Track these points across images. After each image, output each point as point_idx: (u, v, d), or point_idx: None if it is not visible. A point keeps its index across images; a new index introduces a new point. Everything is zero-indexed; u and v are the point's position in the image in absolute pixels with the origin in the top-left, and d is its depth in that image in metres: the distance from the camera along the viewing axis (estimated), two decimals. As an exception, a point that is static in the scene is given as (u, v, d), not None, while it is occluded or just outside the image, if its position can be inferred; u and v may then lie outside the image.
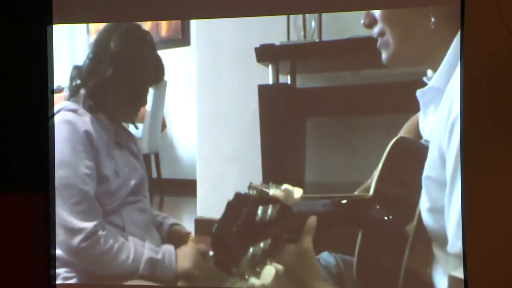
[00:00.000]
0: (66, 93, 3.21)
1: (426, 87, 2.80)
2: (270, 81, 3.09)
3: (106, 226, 3.07)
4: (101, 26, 3.24)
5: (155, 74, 3.17)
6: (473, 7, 2.85)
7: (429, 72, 2.81)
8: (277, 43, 3.06)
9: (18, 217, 3.37)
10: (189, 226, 3.19)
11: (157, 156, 3.29)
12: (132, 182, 3.15)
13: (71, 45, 3.30)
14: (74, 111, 3.13)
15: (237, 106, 3.12)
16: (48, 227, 3.23)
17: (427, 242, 2.77)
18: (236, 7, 3.10)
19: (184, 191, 3.19)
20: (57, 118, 3.17)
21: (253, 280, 2.67)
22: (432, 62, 2.79)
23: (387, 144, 2.84)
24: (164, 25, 3.24)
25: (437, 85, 2.76)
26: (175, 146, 3.25)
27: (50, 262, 3.22)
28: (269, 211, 2.75)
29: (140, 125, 3.31)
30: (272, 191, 2.80)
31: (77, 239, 3.06)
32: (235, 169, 3.13)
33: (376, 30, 2.86)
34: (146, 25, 3.23)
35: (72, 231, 3.07)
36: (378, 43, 2.84)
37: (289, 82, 3.09)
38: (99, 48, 3.17)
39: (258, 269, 2.68)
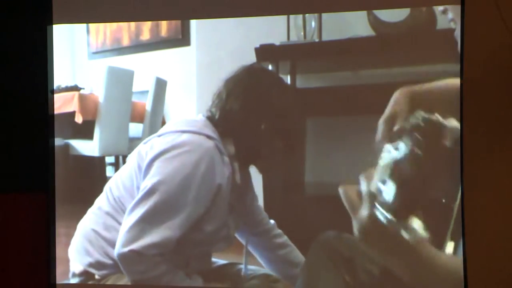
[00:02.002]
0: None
1: None
2: (270, 81, 3.10)
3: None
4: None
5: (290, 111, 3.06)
6: (473, 7, 2.85)
7: None
8: (277, 43, 3.06)
9: (19, 217, 3.37)
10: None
11: (157, 156, 3.28)
12: (214, 241, 3.06)
13: (71, 45, 3.30)
14: (222, 153, 2.97)
15: (237, 106, 3.11)
16: (48, 227, 3.23)
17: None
18: (236, 7, 3.10)
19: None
20: (208, 144, 2.96)
21: None
22: None
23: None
24: (164, 25, 3.24)
25: None
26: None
27: (50, 262, 3.22)
28: None
29: (140, 125, 3.31)
30: None
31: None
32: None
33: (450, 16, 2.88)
34: (146, 25, 3.23)
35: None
36: (455, 33, 2.85)
37: (289, 82, 3.09)
38: (252, 96, 3.03)
39: None
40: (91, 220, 3.12)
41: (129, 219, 2.97)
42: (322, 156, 3.04)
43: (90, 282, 3.11)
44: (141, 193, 2.97)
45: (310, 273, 2.95)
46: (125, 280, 3.10)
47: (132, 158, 3.06)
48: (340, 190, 2.89)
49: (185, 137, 2.99)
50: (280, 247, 3.06)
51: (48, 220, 3.24)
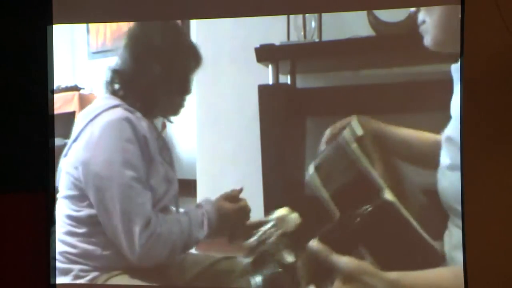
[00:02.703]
0: (106, 93, 3.18)
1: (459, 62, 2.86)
2: (270, 81, 3.09)
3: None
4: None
5: (194, 60, 3.13)
6: (473, 7, 2.85)
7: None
8: (277, 43, 3.06)
9: (18, 217, 3.37)
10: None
11: (157, 156, 3.28)
12: (169, 195, 3.14)
13: (71, 45, 3.30)
14: (132, 112, 3.09)
15: (237, 106, 3.12)
16: (48, 227, 3.23)
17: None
18: (236, 7, 3.10)
19: (184, 191, 3.19)
20: (114, 114, 3.10)
21: None
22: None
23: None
24: (164, 25, 3.24)
25: None
26: (175, 146, 3.25)
27: (50, 262, 3.22)
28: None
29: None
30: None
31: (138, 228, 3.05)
32: (235, 169, 3.13)
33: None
34: (146, 25, 3.23)
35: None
36: (421, 28, 2.88)
37: (289, 82, 3.09)
38: (139, 46, 3.15)
39: None
40: None
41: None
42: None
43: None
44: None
45: None
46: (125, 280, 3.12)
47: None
48: None
49: (96, 123, 3.09)
50: None
51: (48, 220, 3.23)
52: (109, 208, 3.07)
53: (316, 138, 3.04)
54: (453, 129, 2.84)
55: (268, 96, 3.09)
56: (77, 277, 3.18)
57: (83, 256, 3.17)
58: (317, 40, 3.05)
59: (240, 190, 3.10)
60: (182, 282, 3.14)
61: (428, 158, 2.88)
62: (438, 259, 2.86)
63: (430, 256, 2.87)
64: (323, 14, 3.02)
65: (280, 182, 3.08)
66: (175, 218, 3.11)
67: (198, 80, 3.16)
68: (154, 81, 3.12)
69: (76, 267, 3.18)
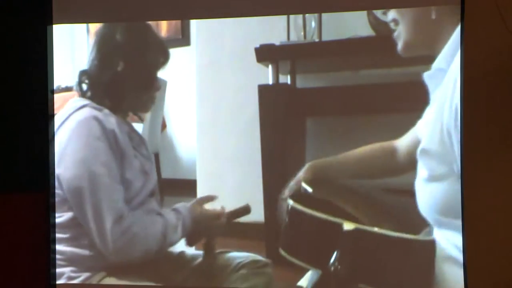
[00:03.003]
0: (77, 94, 3.22)
1: (432, 70, 2.86)
2: (270, 81, 3.10)
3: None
4: (99, 26, 3.24)
5: (161, 56, 3.17)
6: (473, 7, 2.85)
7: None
8: (277, 43, 3.06)
9: (18, 217, 3.36)
10: (189, 226, 3.20)
11: (157, 156, 3.28)
12: (148, 187, 3.16)
13: (71, 45, 3.30)
14: (100, 110, 3.14)
15: (237, 106, 3.12)
16: (48, 227, 3.23)
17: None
18: (236, 7, 3.10)
19: (184, 191, 3.19)
20: (82, 115, 3.16)
21: None
22: (438, 49, 2.86)
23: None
24: (164, 25, 3.24)
25: (441, 66, 2.83)
26: (175, 146, 3.25)
27: (50, 262, 3.22)
28: None
29: (140, 125, 3.31)
30: None
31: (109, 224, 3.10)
32: (235, 169, 3.13)
33: (389, 17, 2.92)
34: (146, 25, 3.23)
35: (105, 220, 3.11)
36: (395, 34, 2.90)
37: (289, 82, 3.09)
38: (104, 45, 3.19)
39: None
40: None
41: None
42: (322, 156, 3.04)
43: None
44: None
45: None
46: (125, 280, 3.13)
47: None
48: None
49: (66, 126, 3.17)
50: None
51: (48, 220, 3.23)
52: (83, 207, 3.13)
53: (316, 138, 3.05)
54: (428, 141, 2.84)
55: (268, 96, 3.09)
56: (70, 278, 3.19)
57: (72, 259, 3.20)
58: (317, 40, 3.05)
59: (214, 197, 3.14)
60: (178, 278, 3.15)
61: (392, 166, 2.93)
62: (428, 252, 2.86)
63: (420, 251, 2.88)
64: (323, 14, 3.02)
65: (280, 182, 3.08)
66: (152, 219, 3.13)
67: (198, 80, 3.16)
68: (119, 78, 3.17)
69: (67, 269, 3.21)
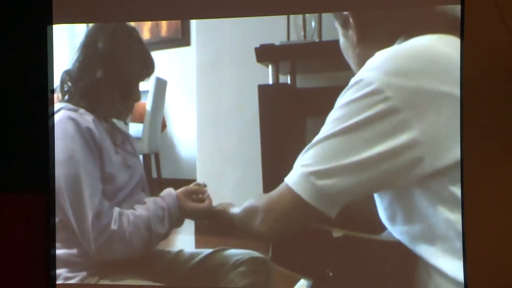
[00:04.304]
0: (58, 96, 3.24)
1: None
2: (270, 81, 3.10)
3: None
4: (89, 27, 3.25)
5: (144, 68, 3.19)
6: (473, 7, 2.85)
7: None
8: (277, 43, 3.06)
9: (18, 217, 3.36)
10: (189, 226, 3.19)
11: (157, 156, 3.28)
12: (134, 180, 3.17)
13: (71, 45, 3.30)
14: (75, 110, 3.16)
15: (237, 106, 3.12)
16: (48, 227, 3.23)
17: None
18: (236, 7, 3.10)
19: (184, 191, 3.19)
20: (59, 117, 3.19)
21: None
22: None
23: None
24: (164, 25, 3.24)
25: None
26: (175, 146, 3.25)
27: (50, 262, 3.22)
28: None
29: (140, 125, 3.31)
30: None
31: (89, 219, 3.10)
32: (235, 169, 3.13)
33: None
34: (146, 25, 3.23)
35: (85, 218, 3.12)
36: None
37: (289, 82, 3.09)
38: (88, 49, 3.20)
39: None
40: None
41: None
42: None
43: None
44: None
45: None
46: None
47: None
48: None
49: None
50: None
51: (48, 220, 3.23)
52: (64, 208, 3.17)
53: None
54: None
55: (268, 96, 3.09)
56: (66, 278, 3.20)
57: (65, 260, 3.21)
58: (317, 40, 3.05)
59: (204, 185, 3.16)
60: (177, 277, 3.16)
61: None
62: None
63: (409, 255, 2.88)
64: (323, 14, 3.02)
65: (280, 182, 3.08)
66: (134, 214, 3.12)
67: (198, 80, 3.16)
68: (97, 84, 3.18)
69: (62, 270, 3.22)
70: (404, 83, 2.77)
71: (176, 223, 3.15)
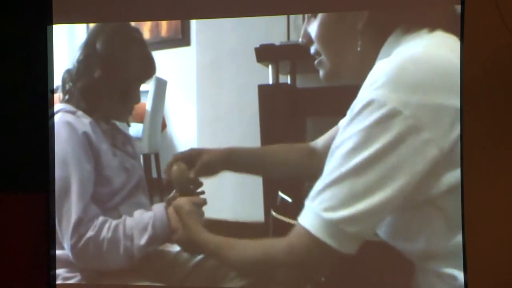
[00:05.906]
0: (60, 95, 3.23)
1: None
2: (270, 81, 3.10)
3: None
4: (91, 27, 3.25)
5: (145, 70, 3.18)
6: (473, 7, 2.85)
7: None
8: (277, 43, 3.06)
9: (18, 217, 3.37)
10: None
11: (157, 156, 3.28)
12: (132, 182, 3.16)
13: (71, 45, 3.30)
14: (73, 113, 3.15)
15: (237, 106, 3.12)
16: (48, 227, 3.23)
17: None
18: (236, 7, 3.10)
19: (184, 191, 3.19)
20: (56, 119, 3.20)
21: None
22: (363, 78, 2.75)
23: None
24: (164, 25, 3.24)
25: None
26: (175, 146, 3.25)
27: (50, 262, 3.22)
28: None
29: (140, 125, 3.31)
30: None
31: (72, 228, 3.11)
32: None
33: (312, 50, 2.91)
34: (146, 25, 3.23)
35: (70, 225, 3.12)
36: (316, 61, 2.89)
37: (289, 82, 3.09)
38: (87, 50, 3.19)
39: None
40: None
41: None
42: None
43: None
44: None
45: None
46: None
47: None
48: None
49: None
50: None
51: (48, 220, 3.24)
52: (55, 212, 3.18)
53: (316, 138, 3.05)
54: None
55: (268, 96, 3.09)
56: (65, 278, 3.20)
57: (64, 260, 3.20)
58: (317, 40, 3.05)
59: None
60: (176, 278, 3.15)
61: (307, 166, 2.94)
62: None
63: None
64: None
65: (280, 182, 3.08)
66: (116, 222, 3.11)
67: (198, 80, 3.16)
68: (95, 85, 3.16)
69: (61, 270, 3.21)
70: (418, 99, 2.60)
71: (161, 236, 3.08)
